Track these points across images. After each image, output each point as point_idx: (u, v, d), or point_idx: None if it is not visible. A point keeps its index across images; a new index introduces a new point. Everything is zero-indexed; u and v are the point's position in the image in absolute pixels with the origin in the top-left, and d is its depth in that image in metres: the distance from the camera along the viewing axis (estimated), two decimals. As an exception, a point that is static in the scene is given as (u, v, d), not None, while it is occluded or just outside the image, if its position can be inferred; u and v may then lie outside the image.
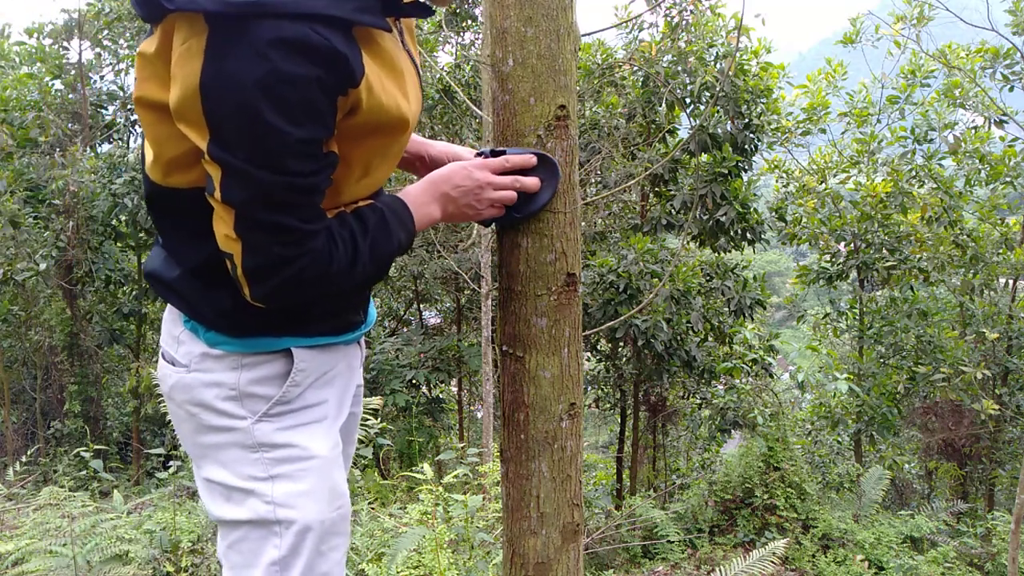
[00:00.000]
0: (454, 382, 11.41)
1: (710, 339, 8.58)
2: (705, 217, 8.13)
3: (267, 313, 1.13)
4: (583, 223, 9.20)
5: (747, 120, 8.08)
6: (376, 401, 4.86)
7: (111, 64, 12.19)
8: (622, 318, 3.84)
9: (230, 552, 1.20)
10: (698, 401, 9.72)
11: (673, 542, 7.04)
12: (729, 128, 8.06)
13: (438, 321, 12.90)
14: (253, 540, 1.17)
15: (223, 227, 1.05)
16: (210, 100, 0.96)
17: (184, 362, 1.18)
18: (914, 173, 9.80)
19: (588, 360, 9.83)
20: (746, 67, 8.24)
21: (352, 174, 1.15)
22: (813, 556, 6.90)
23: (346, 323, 1.27)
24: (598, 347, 9.45)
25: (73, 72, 11.11)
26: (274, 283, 1.07)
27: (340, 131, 1.07)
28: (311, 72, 0.97)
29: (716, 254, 8.61)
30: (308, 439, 1.17)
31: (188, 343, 1.18)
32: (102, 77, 12.56)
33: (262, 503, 1.15)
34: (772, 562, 3.97)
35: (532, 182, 1.26)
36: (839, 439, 10.62)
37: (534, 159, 1.25)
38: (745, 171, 8.44)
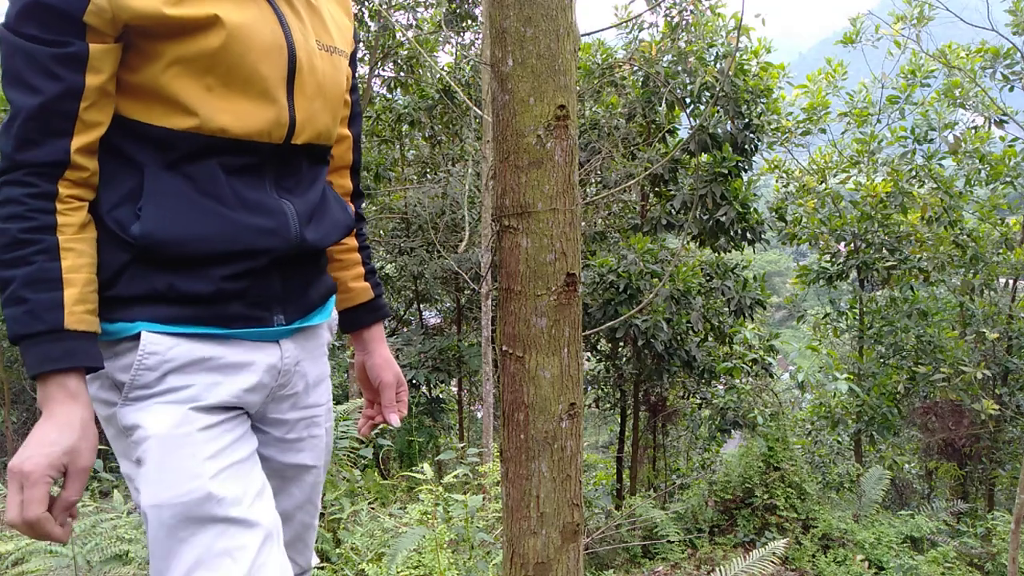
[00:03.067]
0: (454, 382, 11.42)
1: (710, 339, 8.58)
2: (705, 217, 8.13)
3: (125, 296, 1.10)
4: (583, 223, 9.20)
5: (747, 120, 8.08)
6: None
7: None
8: (622, 318, 3.84)
9: None
10: (698, 401, 9.72)
11: (673, 542, 7.04)
12: (729, 128, 8.06)
13: (438, 321, 12.90)
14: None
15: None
16: None
17: None
18: (914, 173, 9.80)
19: (588, 360, 9.84)
20: (746, 67, 8.24)
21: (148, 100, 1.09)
22: (813, 556, 6.91)
23: (233, 315, 1.15)
24: (598, 347, 9.45)
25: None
26: None
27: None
28: None
29: (716, 254, 8.61)
30: (151, 418, 1.09)
31: None
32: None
33: (134, 487, 1.12)
34: (772, 562, 3.97)
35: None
36: (839, 439, 10.63)
37: None
38: (745, 171, 8.44)
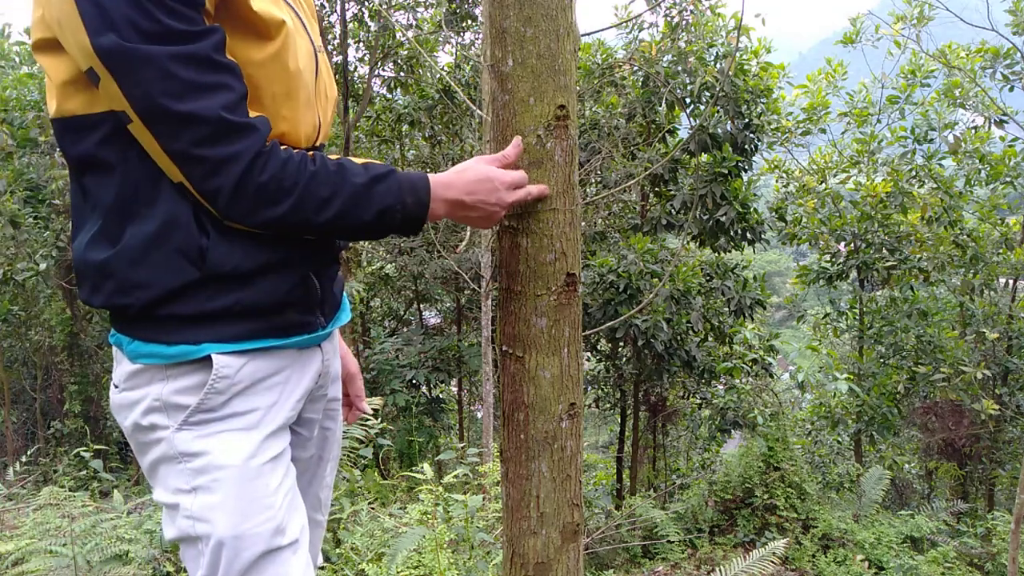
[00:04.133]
0: (454, 382, 11.42)
1: (710, 339, 8.58)
2: (705, 217, 8.13)
3: (185, 315, 1.06)
4: (583, 223, 9.20)
5: (747, 120, 8.08)
6: (376, 401, 4.86)
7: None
8: (622, 318, 3.84)
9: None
10: (698, 401, 9.72)
11: (673, 542, 7.04)
12: (729, 128, 8.06)
13: (438, 321, 12.90)
14: (189, 558, 1.12)
15: (157, 153, 1.01)
16: None
17: (116, 382, 1.14)
18: (914, 173, 9.80)
19: (588, 360, 9.83)
20: (746, 67, 8.24)
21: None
22: (813, 556, 6.90)
23: (289, 323, 1.16)
24: (598, 347, 9.45)
25: (73, 72, 11.08)
26: (229, 188, 1.01)
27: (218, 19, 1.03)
28: None
29: (716, 254, 8.61)
30: (222, 447, 1.08)
31: (120, 362, 1.13)
32: (102, 77, 12.55)
33: (183, 517, 1.09)
34: (772, 562, 3.97)
35: (540, 189, 1.26)
36: (839, 439, 10.62)
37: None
38: (745, 171, 8.44)
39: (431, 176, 1.18)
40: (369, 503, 4.54)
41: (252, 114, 1.06)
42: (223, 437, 1.09)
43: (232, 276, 1.07)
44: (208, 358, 1.07)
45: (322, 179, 1.07)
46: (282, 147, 1.08)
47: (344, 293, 1.38)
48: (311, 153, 1.10)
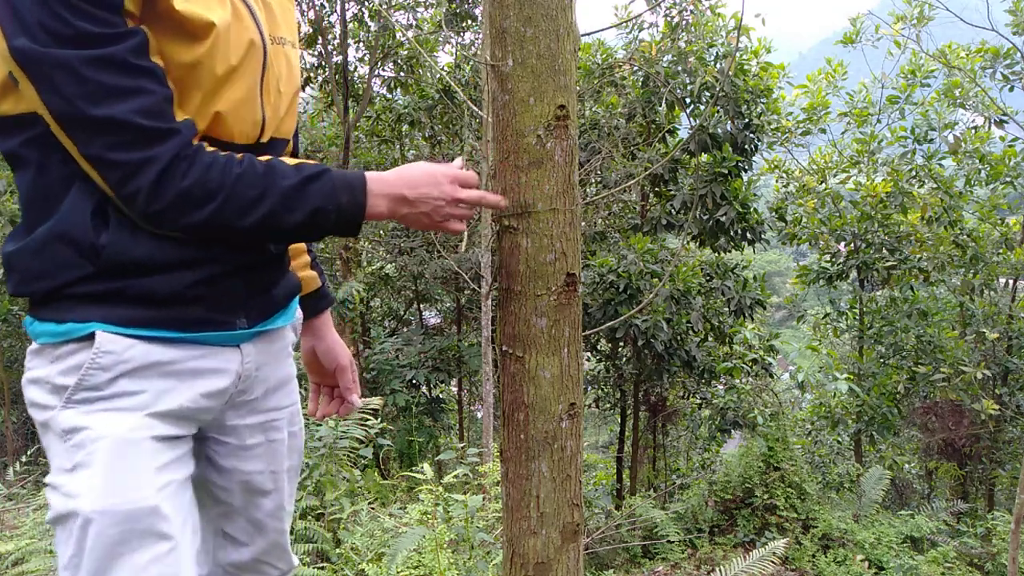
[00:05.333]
0: (454, 382, 11.42)
1: (710, 339, 8.58)
2: (705, 217, 8.13)
3: (77, 295, 1.05)
4: (583, 223, 9.20)
5: (747, 120, 8.08)
6: (376, 401, 4.86)
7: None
8: (622, 318, 3.84)
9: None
10: (698, 401, 9.72)
11: (673, 542, 7.05)
12: (729, 128, 8.06)
13: (438, 321, 12.90)
14: (60, 542, 1.04)
15: (76, 155, 1.00)
16: None
17: (25, 364, 1.11)
18: (914, 173, 9.80)
19: (588, 360, 9.84)
20: (746, 67, 8.24)
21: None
22: (813, 556, 6.91)
23: (192, 318, 1.10)
24: (598, 347, 9.45)
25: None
26: (145, 192, 1.00)
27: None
28: None
29: (716, 254, 8.61)
30: (104, 421, 1.03)
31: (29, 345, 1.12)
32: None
33: (60, 495, 1.03)
34: (772, 562, 3.97)
35: (495, 199, 1.27)
36: (839, 439, 10.63)
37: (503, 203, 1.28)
38: (745, 171, 8.45)
39: (369, 174, 1.16)
40: (369, 503, 4.54)
41: (180, 116, 1.04)
42: (107, 415, 1.04)
43: (130, 266, 1.05)
44: (93, 335, 1.04)
45: (249, 181, 1.06)
46: (211, 149, 1.06)
47: (294, 296, 1.32)
48: (240, 155, 1.08)
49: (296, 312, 1.36)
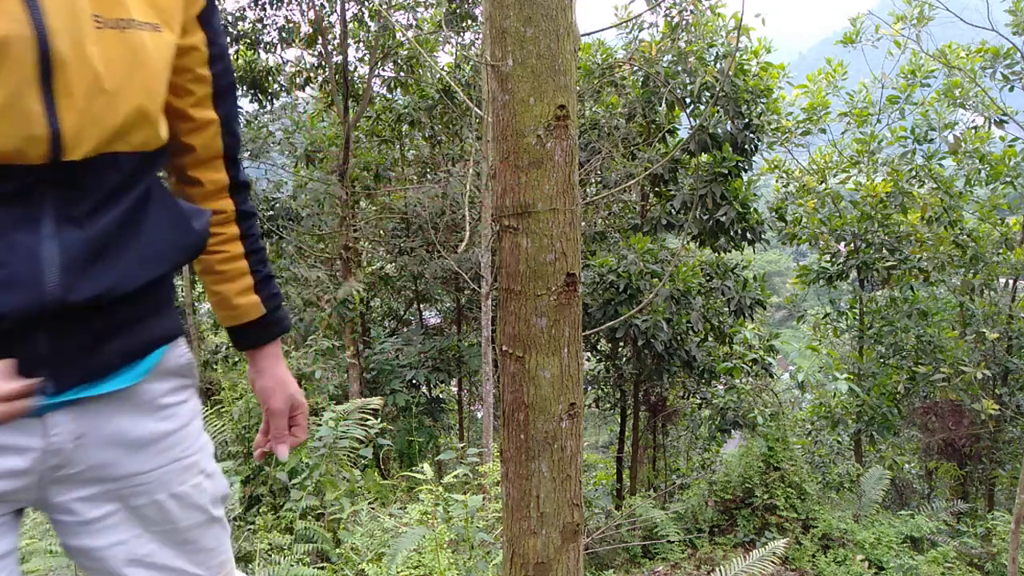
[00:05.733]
0: (454, 382, 11.42)
1: (710, 339, 8.58)
2: (705, 217, 8.13)
3: None
4: (583, 223, 9.20)
5: (747, 120, 8.08)
6: (376, 401, 4.86)
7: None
8: (622, 318, 3.84)
9: None
10: (698, 401, 9.73)
11: (673, 542, 7.05)
12: (729, 128, 8.07)
13: (438, 321, 12.90)
14: None
15: None
16: None
17: None
18: (914, 173, 9.81)
19: (588, 360, 9.84)
20: (746, 67, 8.24)
21: None
22: (813, 556, 6.91)
23: None
24: (598, 347, 9.45)
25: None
26: None
27: None
28: None
29: (716, 254, 8.61)
30: None
31: None
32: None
33: None
34: (772, 562, 3.97)
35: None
36: (839, 439, 10.63)
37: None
38: (745, 171, 8.45)
39: None
40: (369, 503, 4.54)
41: None
42: None
43: None
44: None
45: None
46: None
47: (155, 348, 1.05)
48: None
49: (167, 359, 1.08)
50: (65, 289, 0.90)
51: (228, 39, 9.52)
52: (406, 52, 9.58)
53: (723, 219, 8.01)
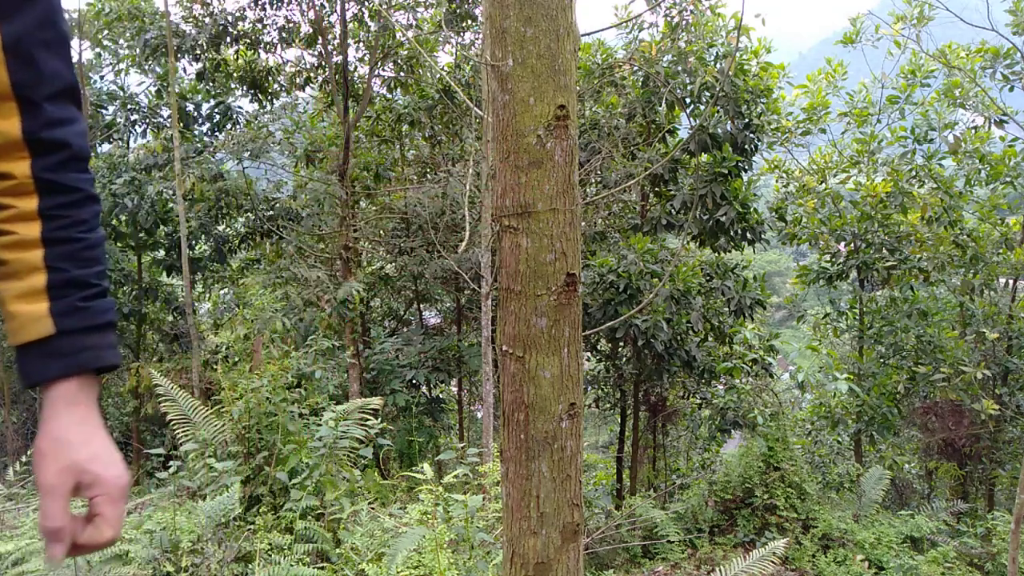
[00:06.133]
0: (454, 382, 11.42)
1: (710, 339, 8.58)
2: (705, 217, 8.13)
3: None
4: (583, 223, 9.20)
5: (747, 120, 8.08)
6: (376, 401, 4.86)
7: (111, 64, 12.21)
8: (622, 318, 3.84)
9: None
10: (698, 401, 9.73)
11: (673, 542, 7.04)
12: (729, 128, 8.06)
13: (438, 321, 12.90)
14: None
15: None
16: None
17: None
18: (914, 173, 9.81)
19: (588, 360, 9.84)
20: (746, 67, 8.24)
21: None
22: (813, 556, 6.91)
23: None
24: (598, 347, 9.45)
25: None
26: None
27: None
28: None
29: (716, 254, 8.61)
30: None
31: None
32: (102, 77, 12.59)
33: None
34: (772, 562, 3.97)
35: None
36: (839, 439, 10.63)
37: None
38: (745, 171, 8.45)
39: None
40: (369, 503, 4.54)
41: None
42: None
43: None
44: None
45: None
46: None
47: None
48: None
49: None
50: None
51: (228, 39, 9.56)
52: (406, 52, 9.58)
53: (723, 219, 8.01)
